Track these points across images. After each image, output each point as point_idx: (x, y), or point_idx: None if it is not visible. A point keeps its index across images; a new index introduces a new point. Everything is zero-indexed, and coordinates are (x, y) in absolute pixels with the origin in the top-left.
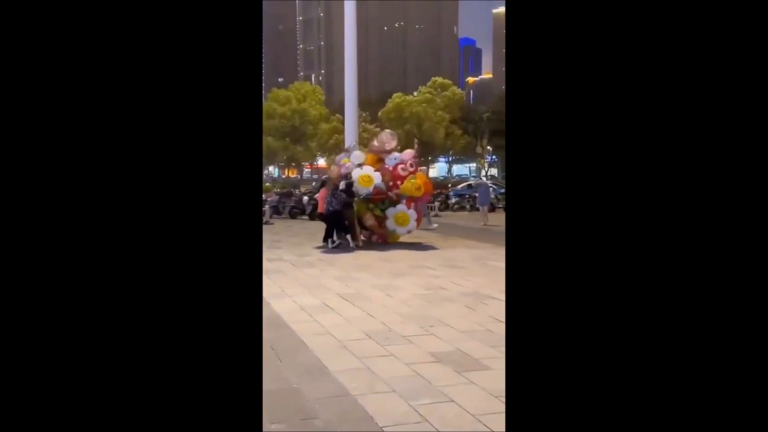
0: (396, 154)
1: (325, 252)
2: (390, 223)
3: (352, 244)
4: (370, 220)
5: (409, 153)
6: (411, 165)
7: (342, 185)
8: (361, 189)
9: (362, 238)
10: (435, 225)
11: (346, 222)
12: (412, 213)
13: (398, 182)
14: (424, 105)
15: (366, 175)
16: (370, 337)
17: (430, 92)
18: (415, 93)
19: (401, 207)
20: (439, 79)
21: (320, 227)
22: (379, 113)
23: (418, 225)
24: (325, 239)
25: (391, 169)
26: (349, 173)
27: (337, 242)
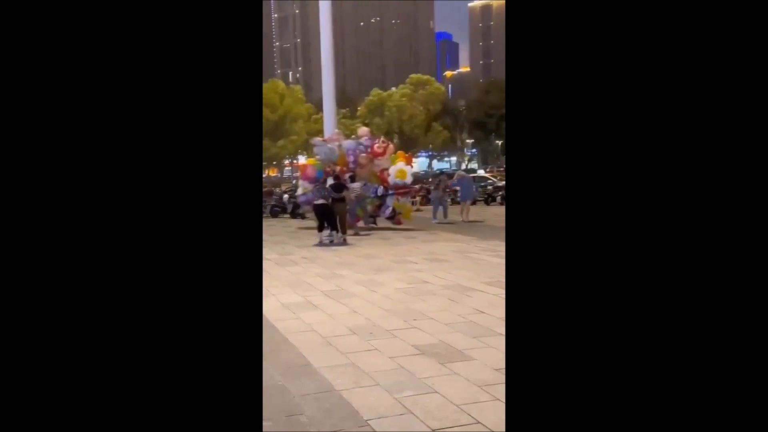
0: (349, 141)
1: (309, 249)
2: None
3: (338, 239)
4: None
5: (363, 131)
6: (383, 141)
7: (330, 181)
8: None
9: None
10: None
11: (337, 216)
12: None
13: (379, 158)
14: (404, 99)
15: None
16: (354, 333)
17: (409, 89)
18: (394, 88)
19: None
20: (417, 76)
21: (301, 226)
22: (359, 108)
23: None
24: (320, 230)
25: (366, 152)
26: (335, 171)
27: (330, 238)
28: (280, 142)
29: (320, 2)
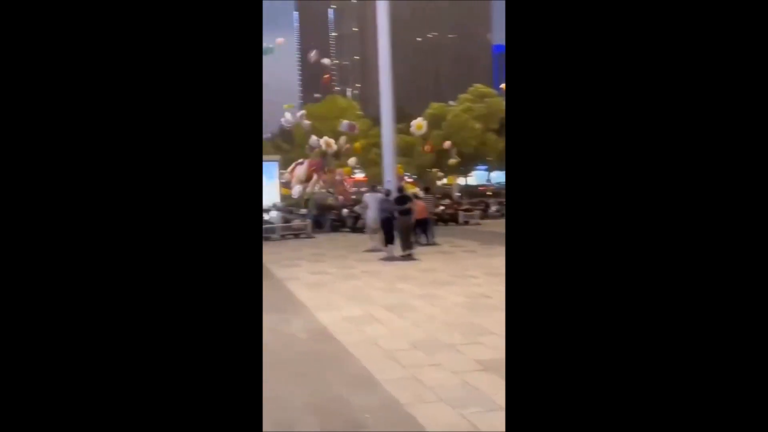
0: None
1: (369, 263)
2: None
3: (397, 253)
4: None
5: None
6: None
7: (394, 194)
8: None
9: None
10: None
11: (396, 231)
12: None
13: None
14: (465, 114)
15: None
16: (417, 347)
17: (469, 100)
18: (451, 102)
19: None
20: (480, 87)
21: (360, 240)
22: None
23: None
24: (386, 244)
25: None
26: (401, 185)
27: (391, 253)
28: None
29: (378, 18)
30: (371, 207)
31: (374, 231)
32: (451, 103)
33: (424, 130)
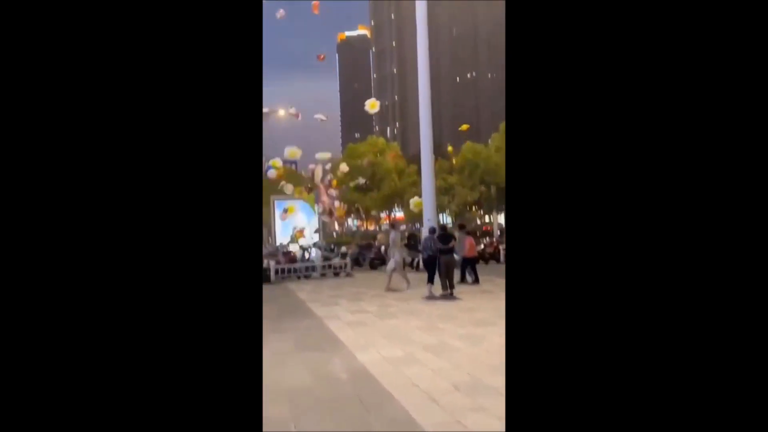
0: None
1: (408, 302)
2: None
3: (436, 292)
4: None
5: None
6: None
7: (437, 232)
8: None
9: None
10: None
11: (439, 269)
12: None
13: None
14: (491, 152)
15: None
16: (459, 389)
17: (501, 138)
18: (489, 141)
19: None
20: None
21: (398, 279)
22: (454, 161)
23: None
24: (427, 282)
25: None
26: (445, 224)
27: (432, 293)
28: (373, 194)
29: (419, 60)
30: (394, 245)
31: (396, 269)
32: (489, 142)
33: (377, 108)
